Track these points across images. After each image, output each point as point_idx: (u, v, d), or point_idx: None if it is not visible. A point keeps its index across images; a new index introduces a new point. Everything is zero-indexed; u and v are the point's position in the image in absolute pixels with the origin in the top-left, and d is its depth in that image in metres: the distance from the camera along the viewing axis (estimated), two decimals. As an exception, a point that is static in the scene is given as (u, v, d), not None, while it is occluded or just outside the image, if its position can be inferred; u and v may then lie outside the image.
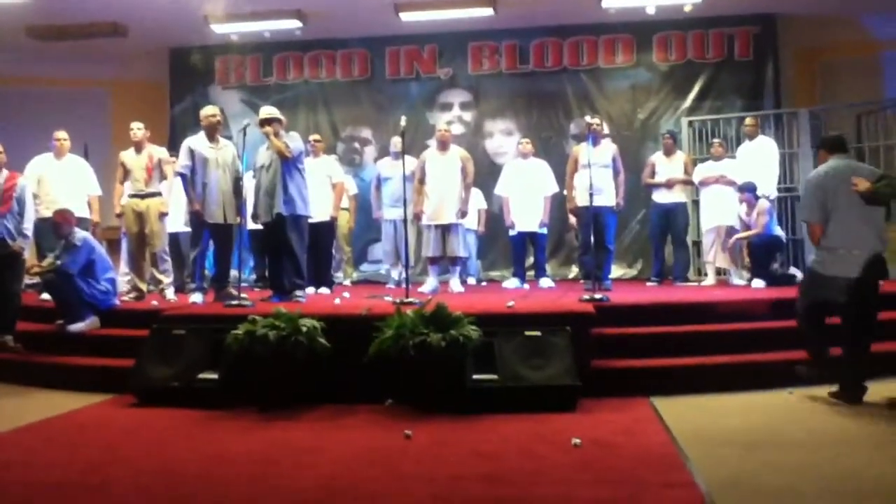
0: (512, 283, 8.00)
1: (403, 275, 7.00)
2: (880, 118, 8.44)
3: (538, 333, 4.66)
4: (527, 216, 7.94)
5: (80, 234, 5.98)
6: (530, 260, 8.44)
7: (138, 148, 6.93)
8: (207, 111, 6.59)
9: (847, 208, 4.46)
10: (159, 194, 6.94)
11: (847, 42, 9.21)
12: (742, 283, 7.40)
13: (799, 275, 6.44)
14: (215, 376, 4.79)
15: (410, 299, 5.45)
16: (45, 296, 6.33)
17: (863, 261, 4.42)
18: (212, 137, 6.47)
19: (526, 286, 7.90)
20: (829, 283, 4.52)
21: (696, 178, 7.91)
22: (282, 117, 6.44)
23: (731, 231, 7.51)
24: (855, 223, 4.45)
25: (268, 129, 6.26)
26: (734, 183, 7.52)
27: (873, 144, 8.30)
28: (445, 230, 7.22)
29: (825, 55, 9.37)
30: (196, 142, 6.45)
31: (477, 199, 8.53)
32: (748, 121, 7.97)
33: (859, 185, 4.37)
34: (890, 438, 3.79)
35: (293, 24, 9.09)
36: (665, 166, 8.09)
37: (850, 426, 4.04)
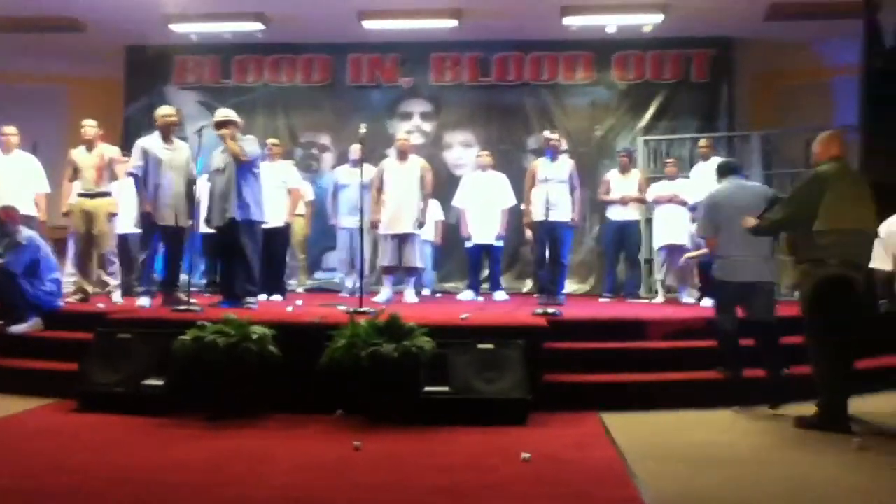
0: (466, 295, 8.00)
1: (358, 284, 6.96)
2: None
3: (491, 346, 4.66)
4: (483, 228, 7.96)
5: (25, 232, 5.82)
6: (485, 272, 8.46)
7: (89, 146, 6.77)
8: (163, 111, 6.48)
9: (731, 222, 4.96)
10: (109, 194, 6.78)
11: (801, 67, 9.44)
12: (692, 301, 7.51)
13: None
14: (161, 383, 4.68)
15: (364, 308, 5.41)
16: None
17: (757, 266, 4.95)
18: (166, 138, 6.35)
19: (480, 299, 7.91)
20: (732, 288, 5.03)
21: (649, 197, 8.02)
22: (238, 120, 6.35)
23: (682, 250, 7.62)
24: (741, 234, 4.86)
25: (224, 131, 6.16)
26: (687, 202, 7.64)
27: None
28: (402, 240, 7.20)
29: (779, 79, 9.60)
30: (150, 142, 6.33)
31: (434, 211, 8.52)
32: (702, 142, 8.12)
33: (747, 223, 4.78)
34: (833, 453, 3.87)
35: (255, 26, 8.99)
36: (620, 183, 8.19)
37: (794, 443, 4.11)
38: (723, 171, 5.40)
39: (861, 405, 4.64)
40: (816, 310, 4.39)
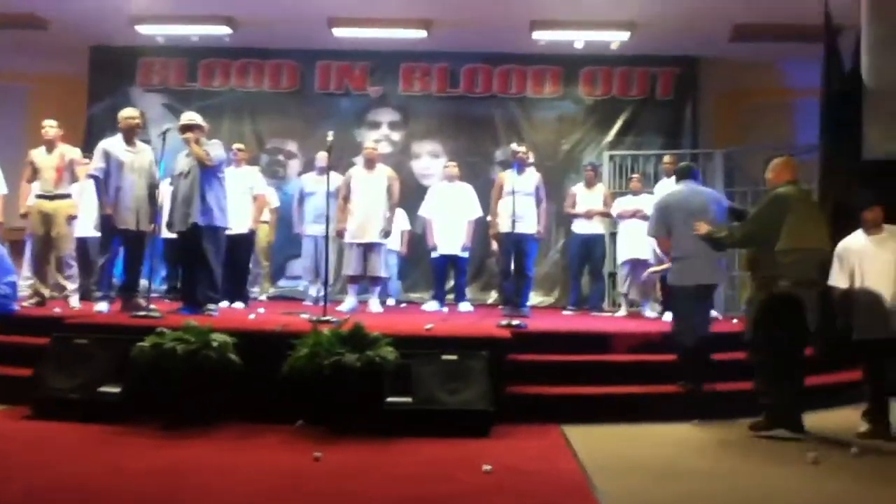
0: (431, 305, 7.99)
1: (322, 292, 6.90)
2: (789, 163, 8.82)
3: (455, 357, 4.65)
4: (449, 239, 7.96)
5: (-20, 233, 5.68)
6: (451, 283, 8.46)
7: (50, 147, 6.64)
8: (126, 113, 6.36)
9: (683, 223, 5.17)
10: (69, 196, 6.65)
11: (764, 88, 9.66)
12: (654, 315, 7.59)
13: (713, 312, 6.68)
14: (118, 390, 4.58)
15: (328, 317, 5.37)
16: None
17: (710, 268, 5.18)
18: (129, 140, 6.24)
19: (445, 309, 7.90)
20: (688, 293, 5.21)
21: (614, 211, 8.11)
22: (204, 124, 6.28)
23: (645, 264, 7.69)
24: (693, 237, 5.02)
25: (189, 135, 6.09)
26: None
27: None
28: (368, 249, 7.17)
29: (743, 99, 9.79)
30: (112, 144, 6.21)
31: (400, 220, 8.51)
32: (666, 158, 8.22)
33: (700, 228, 4.95)
34: (792, 466, 3.92)
35: (222, 30, 8.92)
36: (586, 197, 8.26)
37: (755, 456, 4.16)
38: (680, 174, 5.64)
39: (817, 420, 4.74)
40: (767, 323, 4.53)
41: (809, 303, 4.47)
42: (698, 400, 5.00)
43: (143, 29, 8.92)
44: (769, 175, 4.87)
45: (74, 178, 6.70)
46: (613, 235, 8.46)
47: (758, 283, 4.71)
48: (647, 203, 7.88)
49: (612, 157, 9.35)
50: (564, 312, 8.17)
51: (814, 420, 4.64)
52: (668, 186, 7.96)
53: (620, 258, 8.03)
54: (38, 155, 6.66)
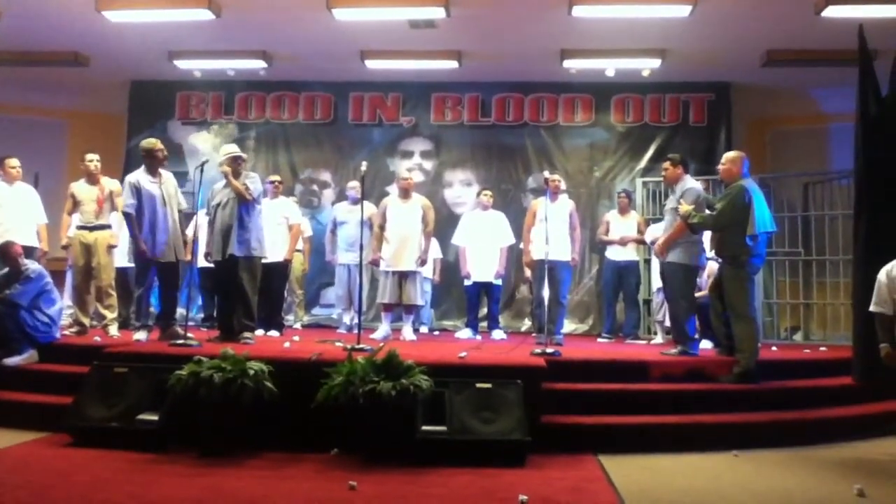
0: (465, 333, 7.98)
1: (355, 320, 6.93)
2: (826, 188, 8.73)
3: (489, 386, 4.63)
4: (483, 267, 7.97)
5: (32, 265, 5.81)
6: (484, 311, 8.44)
7: (91, 179, 6.79)
8: (148, 144, 6.38)
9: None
10: (109, 227, 6.78)
11: (797, 113, 9.60)
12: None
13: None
14: (156, 418, 4.63)
15: (362, 345, 5.39)
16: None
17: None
18: (153, 171, 6.30)
19: (478, 337, 7.88)
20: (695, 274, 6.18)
21: (648, 238, 8.05)
22: (243, 156, 6.39)
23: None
24: None
25: (226, 168, 6.20)
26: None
27: (818, 213, 8.57)
28: (403, 277, 7.20)
29: (776, 125, 9.73)
30: (138, 177, 6.25)
31: (433, 248, 8.53)
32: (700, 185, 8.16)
33: (681, 208, 5.80)
34: (833, 499, 3.82)
35: (258, 64, 9.10)
36: (619, 224, 8.23)
37: (793, 488, 4.07)
38: (685, 164, 6.30)
39: (859, 451, 4.62)
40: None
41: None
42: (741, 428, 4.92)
43: (182, 64, 9.15)
44: (726, 165, 5.71)
45: (114, 208, 6.84)
46: (648, 262, 8.40)
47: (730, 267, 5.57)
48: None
49: (645, 184, 9.31)
50: (599, 340, 8.10)
51: (856, 451, 4.52)
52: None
53: (655, 285, 7.96)
54: (78, 187, 6.82)
